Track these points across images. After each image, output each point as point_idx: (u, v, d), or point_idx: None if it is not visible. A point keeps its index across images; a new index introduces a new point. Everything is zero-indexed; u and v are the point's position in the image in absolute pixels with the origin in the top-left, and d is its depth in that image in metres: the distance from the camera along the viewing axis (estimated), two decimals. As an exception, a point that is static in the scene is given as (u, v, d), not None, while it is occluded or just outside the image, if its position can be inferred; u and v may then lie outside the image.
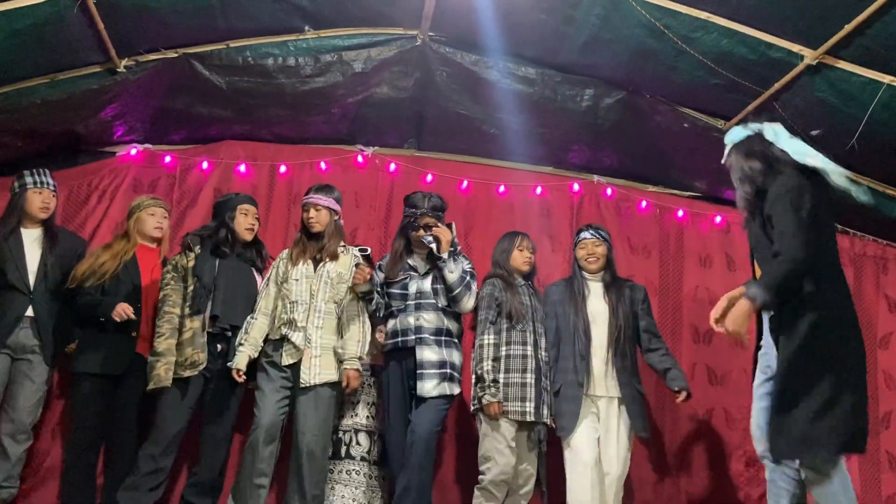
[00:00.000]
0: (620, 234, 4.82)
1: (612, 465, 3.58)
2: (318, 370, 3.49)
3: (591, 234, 3.90)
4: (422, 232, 3.66)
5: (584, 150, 4.84)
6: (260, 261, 3.93)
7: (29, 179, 3.78)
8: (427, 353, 3.54)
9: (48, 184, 3.81)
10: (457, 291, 3.60)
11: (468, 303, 3.64)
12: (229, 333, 3.66)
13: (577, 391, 3.61)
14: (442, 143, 4.90)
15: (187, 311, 3.58)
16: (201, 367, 3.50)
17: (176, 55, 3.98)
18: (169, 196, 4.46)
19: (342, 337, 3.57)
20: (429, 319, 3.60)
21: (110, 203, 4.33)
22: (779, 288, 2.51)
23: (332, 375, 3.51)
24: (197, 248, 3.70)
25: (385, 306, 3.76)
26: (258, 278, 3.86)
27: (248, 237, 3.85)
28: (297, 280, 3.61)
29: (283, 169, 4.62)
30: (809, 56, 3.65)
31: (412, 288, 3.65)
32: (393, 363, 3.65)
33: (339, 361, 3.54)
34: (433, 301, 3.63)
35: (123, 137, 4.47)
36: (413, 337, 3.57)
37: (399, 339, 3.61)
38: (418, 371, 3.51)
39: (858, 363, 2.55)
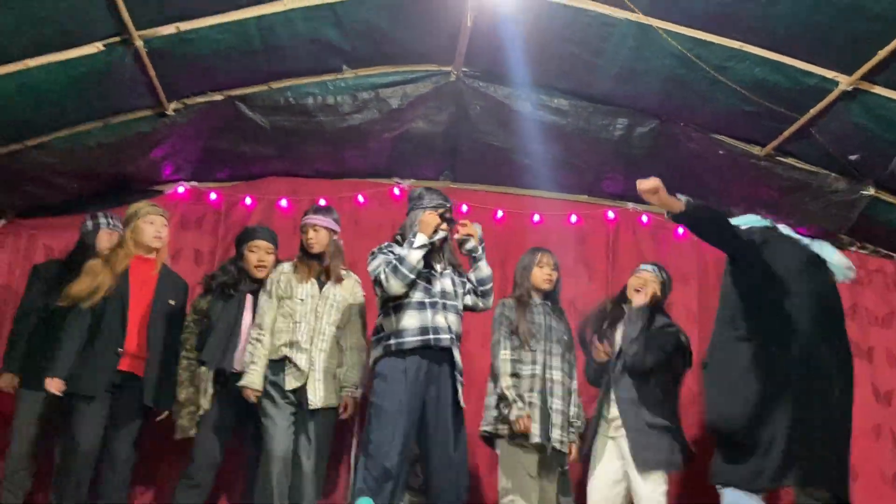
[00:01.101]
0: (658, 261, 4.76)
1: (638, 498, 3.45)
2: (322, 394, 3.43)
3: (652, 270, 3.85)
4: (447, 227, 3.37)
5: (619, 178, 4.86)
6: None
7: (103, 220, 4.00)
8: (457, 357, 3.25)
9: (118, 227, 3.97)
10: (489, 285, 3.40)
11: (492, 299, 3.50)
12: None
13: (596, 419, 3.62)
14: (476, 175, 4.97)
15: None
16: (202, 412, 3.56)
17: (221, 97, 4.15)
18: (215, 231, 4.61)
19: (339, 363, 3.53)
20: (452, 322, 3.28)
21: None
22: (706, 216, 2.90)
23: (334, 400, 3.47)
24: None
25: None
26: None
27: (258, 275, 3.76)
28: (302, 300, 3.53)
29: (322, 203, 4.73)
30: (844, 82, 3.64)
31: (437, 286, 3.29)
32: (415, 360, 3.14)
33: (339, 388, 3.49)
34: (455, 303, 3.33)
35: (171, 176, 4.65)
36: (449, 336, 3.21)
37: (431, 335, 3.16)
38: (455, 373, 3.22)
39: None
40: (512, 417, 3.44)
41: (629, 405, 3.51)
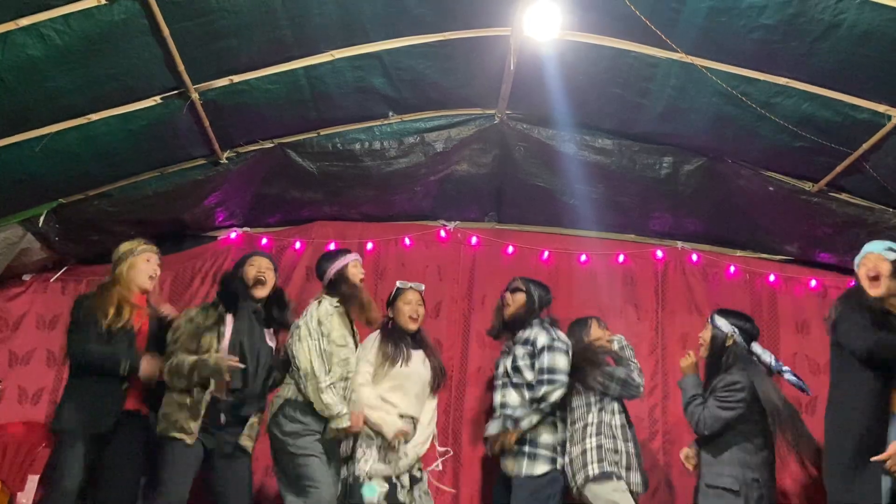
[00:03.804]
0: (709, 301, 4.71)
1: None
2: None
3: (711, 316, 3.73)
4: None
5: (667, 216, 4.81)
6: (281, 316, 3.69)
7: None
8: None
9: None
10: None
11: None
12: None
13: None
14: (522, 216, 4.99)
15: None
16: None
17: (272, 145, 4.26)
18: (265, 276, 4.70)
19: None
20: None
21: (212, 285, 4.56)
22: None
23: None
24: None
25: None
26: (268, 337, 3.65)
27: (258, 293, 3.58)
28: (353, 350, 3.61)
29: (369, 246, 4.80)
30: (897, 116, 3.57)
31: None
32: None
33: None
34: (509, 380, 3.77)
35: (224, 222, 4.78)
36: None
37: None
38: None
39: None
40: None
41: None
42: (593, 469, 3.46)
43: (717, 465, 3.34)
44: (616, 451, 3.52)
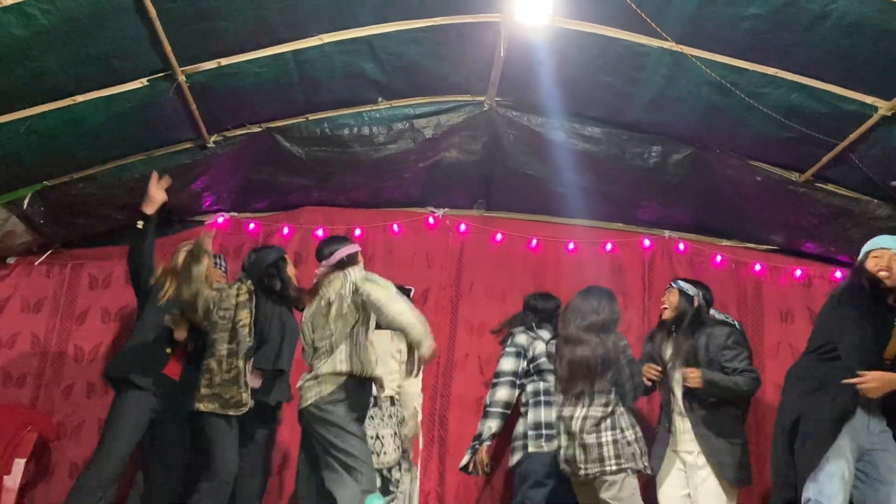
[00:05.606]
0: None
1: None
2: None
3: (670, 286, 3.90)
4: None
5: (654, 205, 4.83)
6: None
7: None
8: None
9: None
10: None
11: None
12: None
13: (664, 434, 3.71)
14: (511, 203, 4.99)
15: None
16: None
17: (260, 129, 4.23)
18: (252, 260, 4.69)
19: None
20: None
21: (199, 269, 4.56)
22: None
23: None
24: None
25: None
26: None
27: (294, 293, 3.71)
28: None
29: (358, 232, 4.79)
30: (884, 107, 3.58)
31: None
32: None
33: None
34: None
35: (211, 207, 4.76)
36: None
37: None
38: None
39: None
40: None
41: (703, 427, 3.58)
42: (610, 465, 3.42)
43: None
44: (629, 444, 3.46)
